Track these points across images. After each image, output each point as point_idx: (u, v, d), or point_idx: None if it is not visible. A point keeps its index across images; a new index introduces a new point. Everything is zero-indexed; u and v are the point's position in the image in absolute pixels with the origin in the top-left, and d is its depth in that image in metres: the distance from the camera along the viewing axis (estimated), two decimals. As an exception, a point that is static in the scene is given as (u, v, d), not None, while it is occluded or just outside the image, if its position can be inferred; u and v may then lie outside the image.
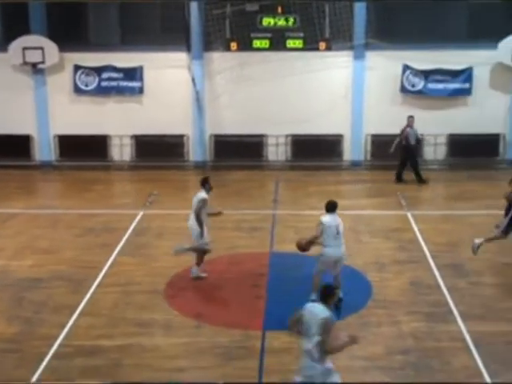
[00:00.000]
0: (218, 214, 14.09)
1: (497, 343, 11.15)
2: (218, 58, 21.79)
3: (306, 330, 8.47)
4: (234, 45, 21.28)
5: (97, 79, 22.16)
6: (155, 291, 12.98)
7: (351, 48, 21.48)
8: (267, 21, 21.00)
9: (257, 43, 21.25)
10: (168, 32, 21.92)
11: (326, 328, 8.22)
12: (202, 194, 13.38)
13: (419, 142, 20.67)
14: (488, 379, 10.05)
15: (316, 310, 8.45)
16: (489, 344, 11.09)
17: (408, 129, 20.08)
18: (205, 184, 13.57)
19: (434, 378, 10.09)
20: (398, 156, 20.15)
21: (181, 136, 22.24)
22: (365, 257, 14.64)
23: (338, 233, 12.09)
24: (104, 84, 22.20)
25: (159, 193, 19.34)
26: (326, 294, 8.52)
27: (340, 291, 11.90)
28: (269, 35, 21.17)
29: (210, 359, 10.58)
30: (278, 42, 21.21)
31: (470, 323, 11.68)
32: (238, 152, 21.93)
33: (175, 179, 21.07)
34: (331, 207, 12.30)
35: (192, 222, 13.36)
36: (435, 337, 11.33)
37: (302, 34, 21.11)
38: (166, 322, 11.75)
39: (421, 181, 20.09)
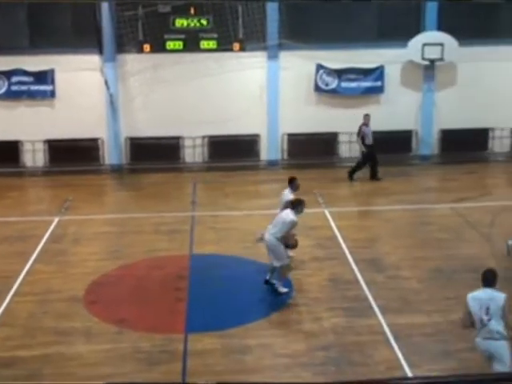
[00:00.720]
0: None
1: (415, 335, 11.40)
2: (131, 60, 21.53)
3: (487, 316, 9.02)
4: (147, 46, 21.08)
5: (6, 83, 21.56)
6: (74, 298, 12.71)
7: (265, 48, 21.59)
8: (180, 22, 20.89)
9: (170, 45, 21.11)
10: (79, 34, 21.51)
11: (505, 307, 8.99)
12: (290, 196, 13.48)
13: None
14: (408, 371, 10.26)
15: (490, 296, 9.12)
16: (407, 336, 11.33)
17: (364, 127, 20.19)
18: (292, 183, 13.80)
19: (355, 372, 10.23)
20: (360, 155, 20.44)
21: (95, 140, 21.88)
22: (285, 255, 14.72)
23: None
24: (14, 88, 21.62)
25: (75, 198, 18.94)
26: (493, 278, 9.28)
27: None
28: (182, 36, 21.07)
29: (133, 365, 10.44)
30: (191, 43, 21.13)
31: (389, 316, 11.91)
32: (155, 154, 21.73)
33: (91, 184, 20.70)
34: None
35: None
36: (355, 331, 11.50)
37: (215, 35, 21.10)
38: (87, 330, 11.54)
39: (375, 177, 20.25)
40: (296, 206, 12.73)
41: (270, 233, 12.59)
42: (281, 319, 11.98)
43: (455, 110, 22.12)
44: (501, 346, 9.05)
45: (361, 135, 20.05)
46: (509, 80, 22.06)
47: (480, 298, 9.24)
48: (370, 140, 20.10)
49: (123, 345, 11.03)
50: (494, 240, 15.42)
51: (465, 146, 22.05)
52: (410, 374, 10.11)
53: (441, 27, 21.53)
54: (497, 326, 9.02)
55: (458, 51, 21.29)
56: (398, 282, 13.47)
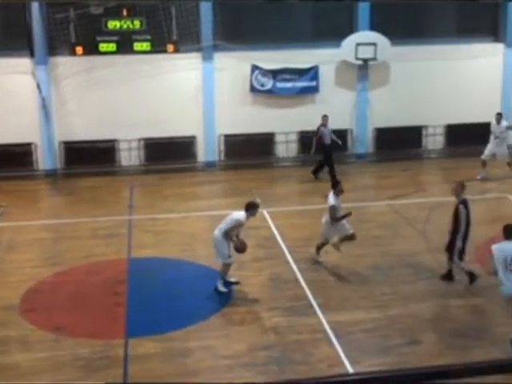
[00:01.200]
0: (348, 214, 13.93)
1: (355, 332, 11.51)
2: (63, 63, 21.16)
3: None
4: (79, 49, 20.76)
5: None
6: (9, 307, 12.42)
7: (199, 50, 21.50)
8: (113, 24, 20.64)
9: (103, 47, 20.84)
10: (9, 36, 21.05)
11: None
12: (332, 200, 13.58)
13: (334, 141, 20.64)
14: (349, 367, 10.35)
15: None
16: (347, 333, 11.43)
17: (322, 128, 20.18)
18: (335, 187, 13.85)
19: (297, 370, 10.27)
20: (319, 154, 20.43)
21: (28, 144, 21.44)
22: (224, 256, 14.69)
23: None
24: None
25: (8, 204, 18.50)
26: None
27: None
28: (115, 38, 20.82)
29: (72, 372, 10.27)
30: (125, 45, 20.90)
31: (329, 314, 12.00)
32: (90, 158, 21.40)
33: (25, 189, 20.26)
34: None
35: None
36: (296, 330, 11.54)
37: (149, 37, 20.92)
38: (23, 338, 11.28)
39: (315, 174, 20.36)
40: (249, 209, 12.79)
41: (219, 227, 12.74)
42: (222, 320, 11.94)
43: (389, 108, 22.44)
44: None
45: (318, 135, 20.06)
46: (440, 78, 22.51)
47: (504, 249, 10.50)
48: (328, 140, 20.19)
49: (61, 352, 10.83)
50: (429, 236, 15.69)
51: (399, 143, 22.39)
52: (351, 371, 10.19)
53: (373, 27, 21.82)
54: None
55: (390, 51, 21.61)
56: (337, 279, 13.58)
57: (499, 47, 22.76)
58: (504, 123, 19.96)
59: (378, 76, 22.40)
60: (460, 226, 12.74)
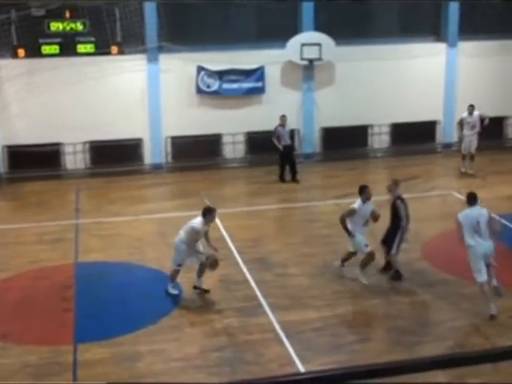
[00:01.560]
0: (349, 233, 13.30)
1: (305, 331, 11.56)
2: (5, 66, 20.76)
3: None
4: (21, 51, 20.39)
5: None
6: (-47, 315, 12.15)
7: (144, 51, 21.34)
8: (55, 26, 20.32)
9: (46, 49, 20.50)
10: None
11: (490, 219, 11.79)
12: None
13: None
14: (300, 366, 10.38)
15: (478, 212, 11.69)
16: (298, 332, 11.47)
17: (279, 128, 20.02)
18: (361, 192, 13.32)
19: (249, 370, 10.27)
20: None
21: (-29, 149, 21.00)
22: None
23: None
24: None
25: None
26: (475, 197, 11.73)
27: None
28: (58, 40, 20.49)
29: (20, 379, 10.08)
30: (68, 47, 20.59)
31: (279, 314, 12.02)
32: (35, 162, 21.03)
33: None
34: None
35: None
36: (247, 331, 11.54)
37: (92, 39, 20.66)
38: (-32, 347, 11.04)
39: (294, 179, 20.07)
40: (206, 214, 12.54)
41: (178, 233, 12.68)
42: (172, 323, 11.86)
43: (335, 108, 22.61)
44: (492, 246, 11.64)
45: (276, 135, 19.94)
46: (385, 78, 22.76)
47: (470, 215, 11.61)
48: (285, 141, 20.03)
49: (9, 360, 10.62)
50: (376, 233, 15.81)
51: (346, 143, 22.58)
52: (302, 370, 10.22)
53: (318, 27, 21.95)
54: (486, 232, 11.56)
55: (335, 51, 21.76)
56: (287, 279, 13.62)
57: (441, 47, 23.13)
58: (476, 113, 20.28)
59: (323, 76, 22.55)
60: (401, 220, 12.95)
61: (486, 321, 11.72)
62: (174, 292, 12.75)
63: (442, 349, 10.60)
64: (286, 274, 13.83)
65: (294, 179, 20.08)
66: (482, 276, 11.61)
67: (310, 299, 12.66)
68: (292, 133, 21.89)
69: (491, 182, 19.00)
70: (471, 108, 20.31)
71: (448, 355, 3.72)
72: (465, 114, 20.37)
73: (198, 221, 12.46)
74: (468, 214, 11.74)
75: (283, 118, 20.10)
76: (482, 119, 20.25)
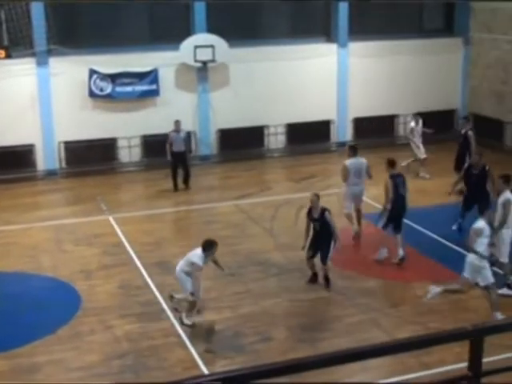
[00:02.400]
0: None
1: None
2: None
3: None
4: None
5: None
6: None
7: (33, 55, 20.74)
8: None
9: None
10: None
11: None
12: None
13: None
14: (204, 368, 10.33)
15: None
16: (201, 335, 11.42)
17: (173, 133, 19.23)
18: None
19: (153, 376, 10.14)
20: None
21: None
22: (70, 266, 14.26)
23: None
24: None
25: None
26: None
27: None
28: None
29: None
30: (-49, 51, 19.77)
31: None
32: None
33: None
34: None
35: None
36: (149, 336, 11.40)
37: (-22, 42, 19.94)
38: None
39: (186, 183, 19.49)
40: (205, 248, 11.42)
41: (179, 264, 11.68)
42: (71, 332, 11.57)
43: (231, 109, 22.64)
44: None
45: (169, 141, 19.23)
46: (279, 78, 22.96)
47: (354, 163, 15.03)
48: (178, 147, 19.22)
49: None
50: (276, 233, 15.98)
51: (242, 143, 22.65)
52: (206, 372, 10.17)
53: (210, 29, 21.92)
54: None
55: (228, 52, 21.79)
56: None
57: (332, 47, 23.54)
58: (421, 122, 20.46)
59: (217, 78, 22.55)
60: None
61: (383, 315, 12.02)
62: (188, 323, 11.66)
63: (342, 344, 10.77)
64: (187, 277, 13.73)
65: (185, 185, 19.51)
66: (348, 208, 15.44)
67: (211, 301, 12.62)
68: (188, 135, 21.74)
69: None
70: (417, 117, 20.68)
71: (351, 350, 3.75)
72: (413, 124, 20.62)
73: (198, 255, 11.37)
74: (353, 162, 15.24)
75: (177, 123, 19.42)
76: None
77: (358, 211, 15.59)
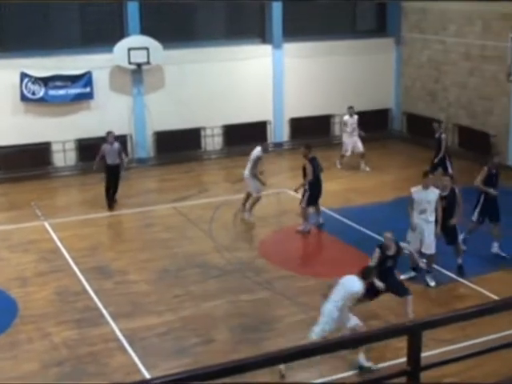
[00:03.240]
0: None
1: (149, 337, 11.45)
2: None
3: None
4: None
5: None
6: None
7: (-38, 58, 20.25)
8: None
9: None
10: None
11: None
12: None
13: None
14: (146, 373, 10.25)
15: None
16: (142, 339, 11.34)
17: (105, 145, 17.82)
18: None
19: (93, 382, 10.01)
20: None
21: None
22: (6, 273, 13.98)
23: None
24: None
25: None
26: None
27: None
28: None
29: None
30: None
31: (121, 322, 11.83)
32: None
33: None
34: None
35: None
36: (88, 342, 11.25)
37: None
38: None
39: (112, 199, 18.10)
40: (365, 273, 10.59)
41: (334, 300, 10.31)
42: (6, 341, 11.32)
43: (167, 111, 22.50)
44: None
45: (100, 154, 17.94)
46: (215, 80, 22.92)
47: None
48: (112, 159, 17.79)
49: None
50: (215, 235, 15.95)
51: (179, 146, 22.52)
52: (148, 376, 10.09)
53: (144, 31, 21.75)
54: None
55: (163, 54, 21.65)
56: (127, 286, 13.42)
57: (267, 48, 23.63)
58: (355, 116, 20.92)
59: (153, 80, 22.38)
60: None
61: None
62: (367, 364, 10.42)
63: (283, 343, 10.81)
64: (126, 281, 13.62)
65: (112, 198, 18.17)
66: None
67: (152, 305, 12.55)
68: (124, 138, 21.54)
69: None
70: (351, 110, 21.02)
71: (292, 348, 3.78)
72: (346, 117, 21.01)
73: (358, 282, 10.33)
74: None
75: (110, 134, 18.06)
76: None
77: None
